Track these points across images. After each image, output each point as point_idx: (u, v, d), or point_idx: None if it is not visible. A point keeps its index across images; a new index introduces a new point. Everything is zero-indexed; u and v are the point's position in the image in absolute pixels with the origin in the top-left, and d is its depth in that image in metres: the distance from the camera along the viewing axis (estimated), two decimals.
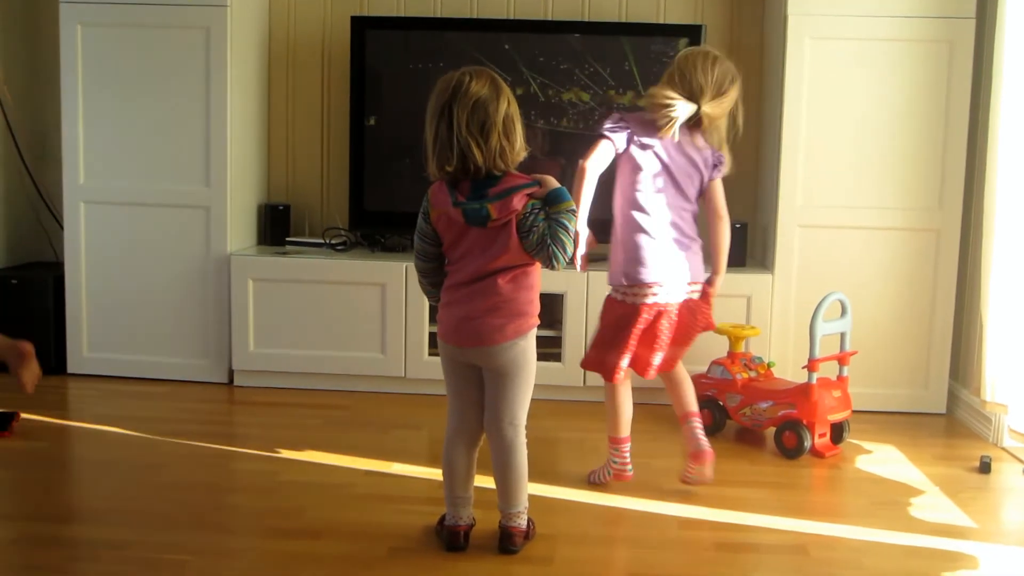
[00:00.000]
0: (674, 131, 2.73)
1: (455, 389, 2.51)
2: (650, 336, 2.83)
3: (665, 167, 2.80)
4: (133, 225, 4.02)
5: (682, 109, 2.71)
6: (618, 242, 2.87)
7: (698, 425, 2.91)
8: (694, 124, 2.80)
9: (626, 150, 2.79)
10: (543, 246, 2.35)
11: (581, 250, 2.73)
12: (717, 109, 2.77)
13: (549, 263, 2.38)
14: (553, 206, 2.38)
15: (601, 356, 2.89)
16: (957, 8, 3.72)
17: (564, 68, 3.99)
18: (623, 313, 2.84)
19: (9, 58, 4.26)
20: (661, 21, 4.19)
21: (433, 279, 2.51)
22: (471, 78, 2.34)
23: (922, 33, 3.75)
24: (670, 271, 2.81)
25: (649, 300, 2.80)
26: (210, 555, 2.45)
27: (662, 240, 2.81)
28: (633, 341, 2.81)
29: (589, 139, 2.85)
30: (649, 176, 2.80)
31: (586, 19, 4.19)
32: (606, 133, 2.78)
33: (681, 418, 2.94)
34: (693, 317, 2.89)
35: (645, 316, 2.80)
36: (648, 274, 2.79)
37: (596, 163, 2.76)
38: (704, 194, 2.90)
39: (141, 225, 4.01)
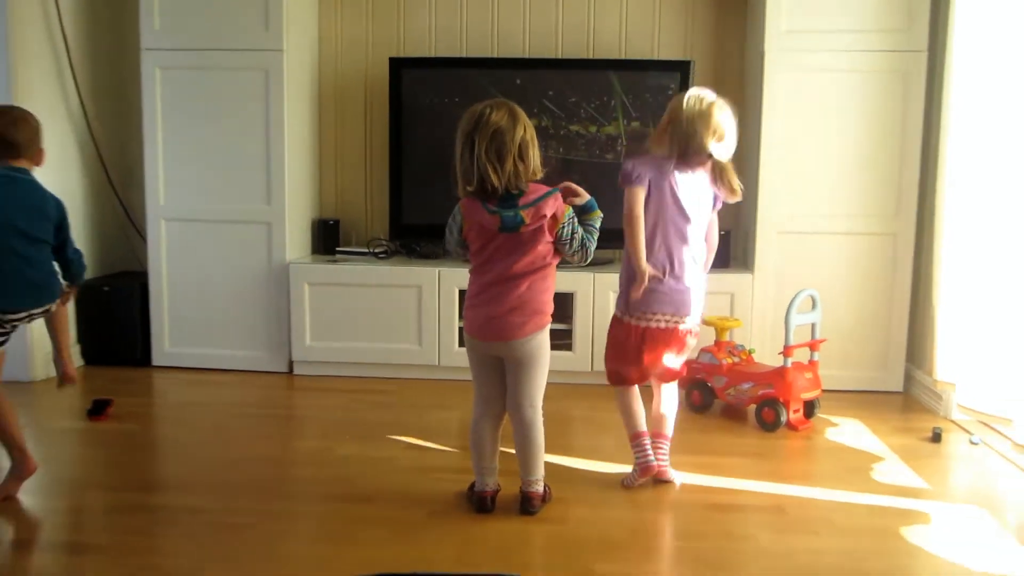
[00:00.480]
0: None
1: (481, 377, 2.53)
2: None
3: (676, 201, 2.61)
4: (206, 239, 4.06)
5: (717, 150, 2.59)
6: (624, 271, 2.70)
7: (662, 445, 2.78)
8: (700, 162, 2.62)
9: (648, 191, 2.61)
10: (583, 247, 2.43)
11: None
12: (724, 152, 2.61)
13: (584, 260, 2.46)
14: (587, 214, 2.46)
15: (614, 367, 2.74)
16: (911, 44, 3.71)
17: (572, 101, 4.00)
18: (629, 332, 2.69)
19: (100, 99, 4.30)
20: (656, 58, 4.19)
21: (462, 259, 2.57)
22: (492, 110, 2.35)
23: (881, 65, 3.74)
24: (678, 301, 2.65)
25: (653, 324, 2.65)
26: (274, 518, 2.49)
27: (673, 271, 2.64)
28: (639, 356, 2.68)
29: (619, 192, 2.64)
30: (662, 210, 2.61)
31: (591, 57, 4.20)
32: (634, 182, 2.58)
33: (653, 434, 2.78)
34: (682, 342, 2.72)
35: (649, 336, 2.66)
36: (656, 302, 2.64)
37: (640, 210, 2.58)
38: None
39: (212, 239, 4.05)
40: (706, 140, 2.55)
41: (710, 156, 2.58)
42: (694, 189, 2.63)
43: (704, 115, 2.55)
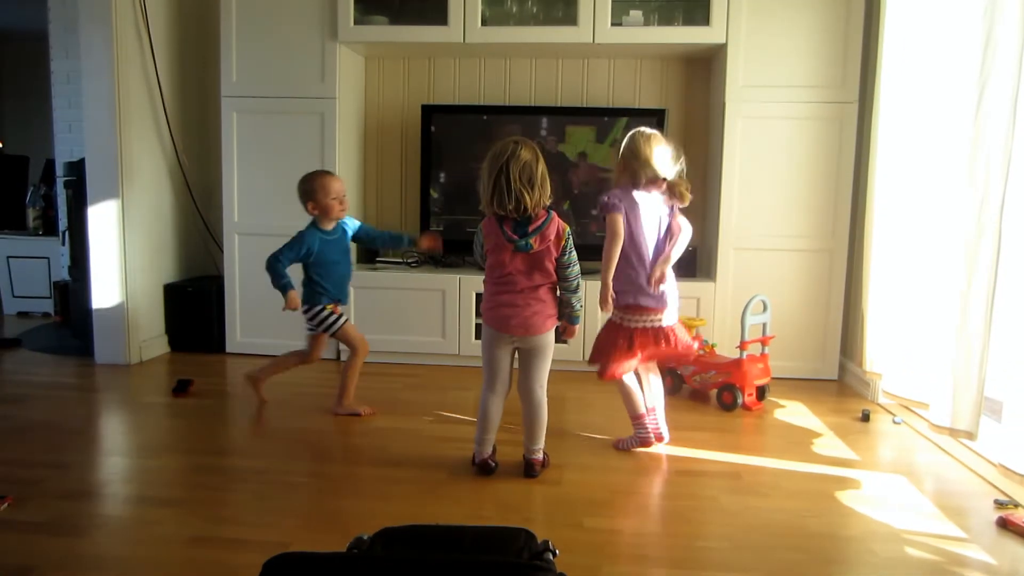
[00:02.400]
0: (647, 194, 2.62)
1: (496, 363, 2.49)
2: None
3: (644, 223, 2.62)
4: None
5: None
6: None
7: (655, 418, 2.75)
8: (656, 184, 2.62)
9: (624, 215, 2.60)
10: (577, 278, 2.45)
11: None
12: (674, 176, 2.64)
13: (573, 288, 2.45)
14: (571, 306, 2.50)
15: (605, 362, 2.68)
16: (844, 96, 3.67)
17: (568, 143, 3.97)
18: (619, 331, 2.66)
19: (188, 136, 4.29)
20: (637, 106, 4.16)
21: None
22: (521, 146, 2.35)
23: (820, 113, 3.70)
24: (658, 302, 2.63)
25: (637, 324, 2.63)
26: (323, 478, 2.46)
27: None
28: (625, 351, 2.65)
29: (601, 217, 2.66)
30: (637, 230, 2.61)
31: (584, 105, 4.17)
32: (614, 210, 2.58)
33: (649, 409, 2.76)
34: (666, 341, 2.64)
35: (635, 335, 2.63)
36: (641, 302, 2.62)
37: (620, 236, 2.58)
38: (669, 227, 2.69)
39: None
40: (656, 166, 2.59)
41: (664, 178, 2.61)
42: (655, 207, 2.65)
43: (649, 147, 2.60)
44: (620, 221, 2.58)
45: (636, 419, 2.74)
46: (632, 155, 2.62)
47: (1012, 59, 2.38)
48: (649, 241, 2.64)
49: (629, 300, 2.63)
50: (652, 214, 2.65)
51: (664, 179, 2.62)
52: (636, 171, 2.61)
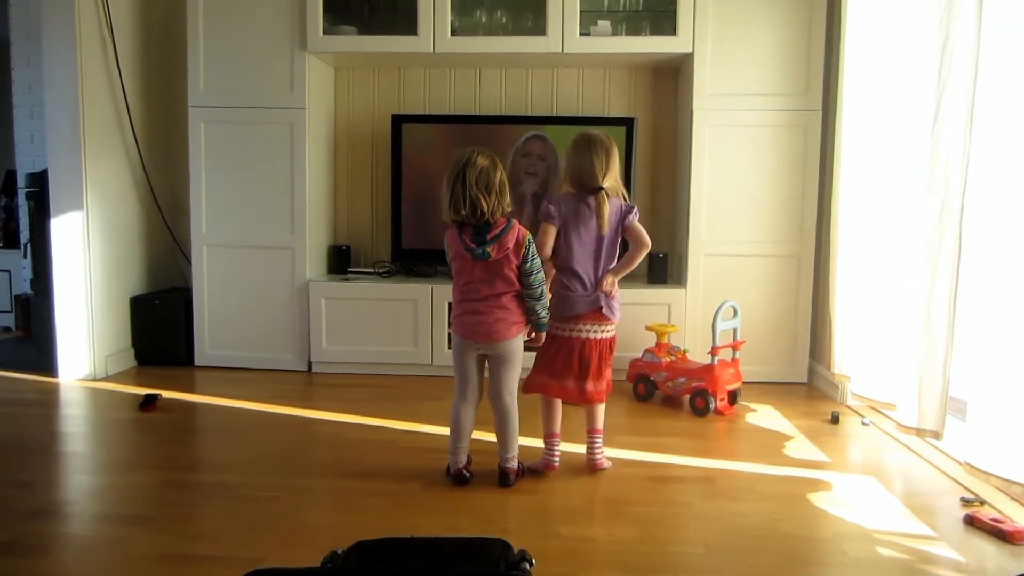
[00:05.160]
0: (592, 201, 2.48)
1: (465, 372, 2.48)
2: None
3: (582, 229, 2.49)
4: (240, 261, 3.98)
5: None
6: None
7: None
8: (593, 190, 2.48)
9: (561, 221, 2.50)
10: (541, 286, 2.42)
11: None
12: (612, 182, 2.49)
13: (536, 296, 2.42)
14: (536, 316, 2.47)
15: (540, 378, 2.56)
16: (809, 104, 3.74)
17: (538, 152, 3.98)
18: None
19: (155, 147, 4.23)
20: (606, 115, 4.18)
21: None
22: (478, 154, 2.37)
23: (786, 121, 3.75)
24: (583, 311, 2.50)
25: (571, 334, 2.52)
26: (295, 492, 2.42)
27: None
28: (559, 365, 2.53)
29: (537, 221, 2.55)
30: (571, 237, 2.50)
31: (554, 114, 4.19)
32: (548, 218, 2.50)
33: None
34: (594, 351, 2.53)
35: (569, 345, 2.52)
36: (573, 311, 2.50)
37: (549, 243, 2.50)
38: (626, 233, 2.53)
39: (246, 261, 3.97)
40: (597, 173, 2.46)
41: (600, 187, 2.46)
42: (595, 212, 2.48)
43: (589, 152, 2.47)
44: (553, 231, 2.49)
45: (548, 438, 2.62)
46: (569, 160, 2.52)
47: (967, 68, 2.44)
48: (586, 247, 2.50)
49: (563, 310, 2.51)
50: (592, 227, 2.49)
51: (599, 187, 2.47)
52: (573, 177, 2.51)
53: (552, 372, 2.55)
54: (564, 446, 2.68)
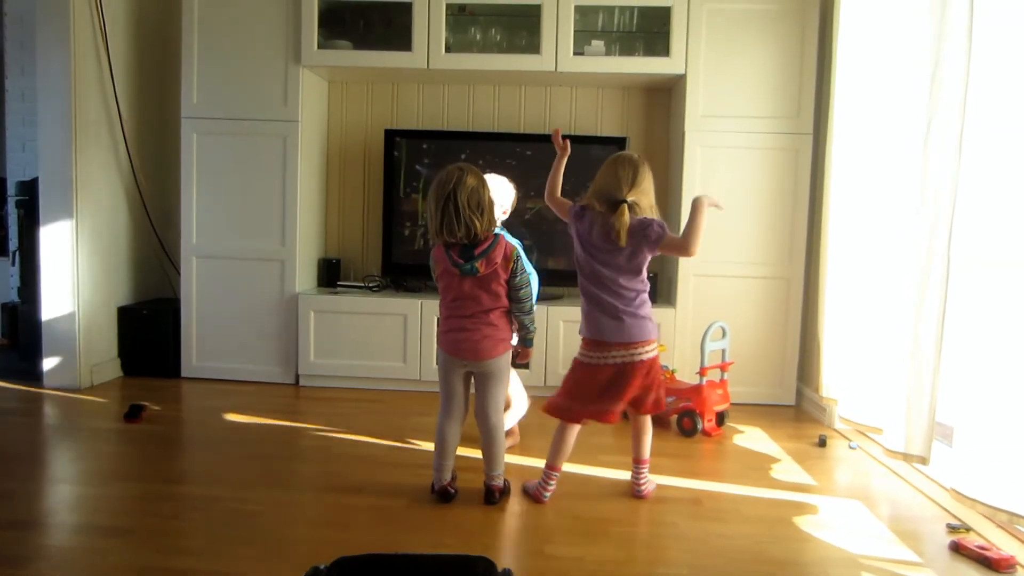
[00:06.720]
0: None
1: (451, 388, 2.48)
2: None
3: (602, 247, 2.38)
4: (229, 273, 3.98)
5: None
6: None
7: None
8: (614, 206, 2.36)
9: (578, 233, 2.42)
10: (530, 299, 2.45)
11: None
12: (639, 197, 2.37)
13: (525, 309, 2.44)
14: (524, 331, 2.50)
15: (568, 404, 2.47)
16: (800, 128, 3.78)
17: (530, 165, 4.00)
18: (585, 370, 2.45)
19: (147, 157, 4.23)
20: (599, 134, 4.21)
21: None
22: (467, 172, 2.35)
23: (777, 144, 3.79)
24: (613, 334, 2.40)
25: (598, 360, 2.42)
26: (281, 506, 2.41)
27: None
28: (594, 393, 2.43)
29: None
30: (589, 254, 2.41)
31: (547, 132, 4.21)
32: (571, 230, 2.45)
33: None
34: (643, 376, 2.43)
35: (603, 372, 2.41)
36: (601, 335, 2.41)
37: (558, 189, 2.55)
38: (661, 249, 2.39)
39: (235, 273, 3.97)
40: (623, 185, 2.36)
41: (623, 200, 2.35)
42: (611, 231, 2.35)
43: (623, 165, 2.39)
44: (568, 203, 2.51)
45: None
46: (596, 176, 2.42)
47: (957, 91, 2.47)
48: (611, 272, 2.38)
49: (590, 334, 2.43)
50: (609, 238, 2.35)
51: (622, 199, 2.35)
52: (597, 190, 2.41)
53: (585, 399, 2.43)
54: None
